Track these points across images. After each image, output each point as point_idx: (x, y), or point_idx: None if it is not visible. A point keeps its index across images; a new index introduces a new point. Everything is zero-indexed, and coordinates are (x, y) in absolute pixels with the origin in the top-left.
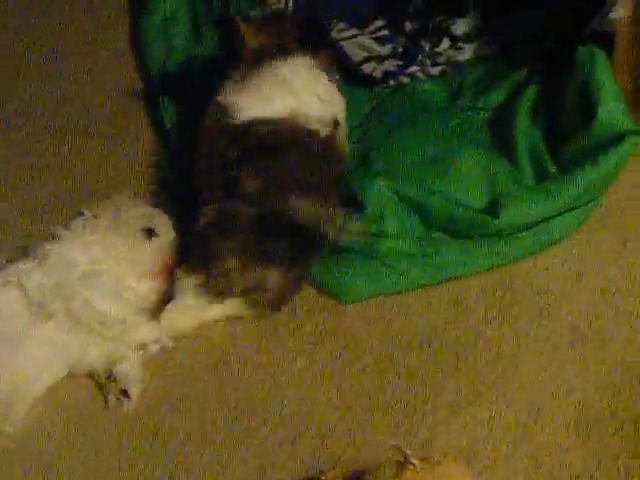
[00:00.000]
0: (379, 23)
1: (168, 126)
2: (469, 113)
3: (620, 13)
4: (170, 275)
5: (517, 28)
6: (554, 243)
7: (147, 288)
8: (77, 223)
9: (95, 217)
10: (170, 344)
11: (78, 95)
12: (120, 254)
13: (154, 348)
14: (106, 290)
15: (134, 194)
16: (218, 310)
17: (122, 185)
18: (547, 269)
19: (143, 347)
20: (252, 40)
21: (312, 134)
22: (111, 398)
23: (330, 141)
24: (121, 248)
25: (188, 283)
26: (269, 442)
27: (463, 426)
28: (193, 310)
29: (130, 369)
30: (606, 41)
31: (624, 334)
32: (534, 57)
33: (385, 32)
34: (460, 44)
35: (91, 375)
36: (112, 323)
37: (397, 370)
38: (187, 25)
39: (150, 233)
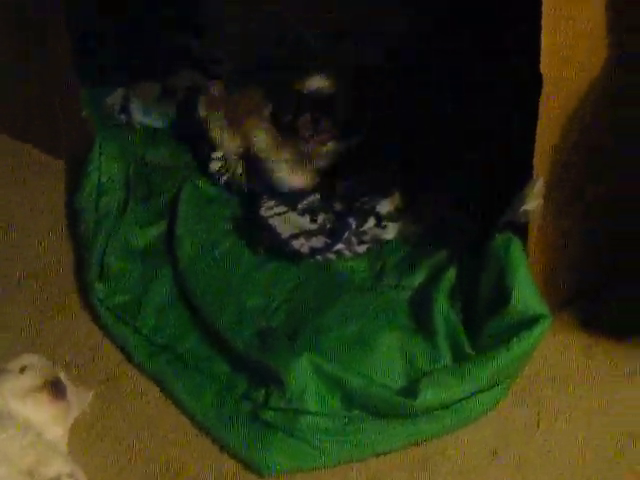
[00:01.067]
0: (311, 198)
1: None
2: (391, 293)
3: (532, 205)
4: (54, 390)
5: (439, 209)
6: (472, 421)
7: (42, 416)
8: None
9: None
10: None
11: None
12: (30, 414)
13: None
14: (18, 427)
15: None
16: None
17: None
18: (464, 446)
19: None
20: None
21: None
22: None
23: None
24: (29, 407)
25: None
26: None
27: None
28: None
29: None
30: (520, 229)
31: None
32: (454, 239)
33: (316, 207)
34: (384, 223)
35: None
36: (26, 453)
37: None
38: (117, 195)
39: (57, 386)
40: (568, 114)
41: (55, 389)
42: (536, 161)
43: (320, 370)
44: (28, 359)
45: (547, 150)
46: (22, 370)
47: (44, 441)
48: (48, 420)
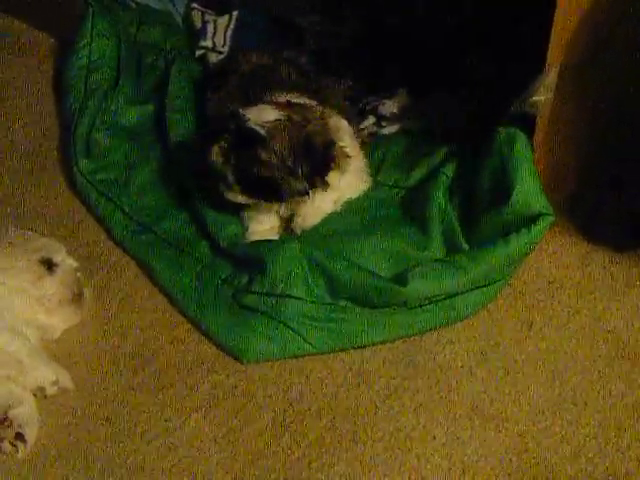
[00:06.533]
0: None
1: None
2: (387, 189)
3: (542, 96)
4: (78, 302)
5: (441, 107)
6: (460, 319)
7: (57, 320)
8: None
9: None
10: (70, 386)
11: None
12: (24, 291)
13: (52, 390)
14: (5, 327)
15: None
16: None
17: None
18: (451, 345)
19: (41, 390)
20: None
21: None
22: (5, 444)
23: None
24: (24, 285)
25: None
26: None
27: None
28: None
29: (27, 413)
30: (527, 122)
31: (523, 416)
32: (454, 135)
33: None
34: (384, 123)
35: None
36: (8, 361)
37: (293, 436)
38: (108, 73)
39: (50, 264)
40: (583, 6)
41: (80, 302)
42: (550, 52)
43: (307, 255)
44: (52, 251)
45: (562, 41)
46: (46, 264)
47: (31, 349)
48: (61, 325)
